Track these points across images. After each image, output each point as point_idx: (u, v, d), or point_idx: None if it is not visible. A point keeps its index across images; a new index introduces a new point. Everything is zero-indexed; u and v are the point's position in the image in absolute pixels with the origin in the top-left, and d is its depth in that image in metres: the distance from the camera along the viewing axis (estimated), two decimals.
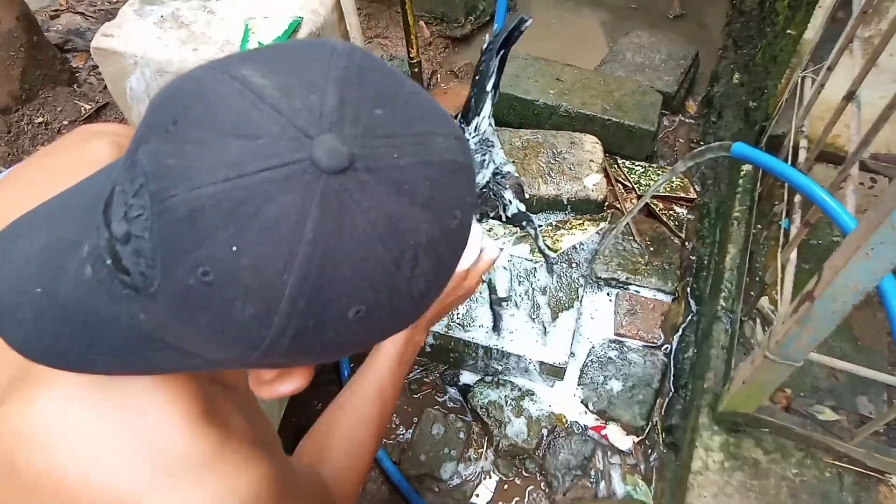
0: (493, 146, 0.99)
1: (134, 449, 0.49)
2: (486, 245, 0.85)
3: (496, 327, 1.49)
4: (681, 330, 1.64)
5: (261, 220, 0.36)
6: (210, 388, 0.54)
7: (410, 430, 1.51)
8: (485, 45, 0.94)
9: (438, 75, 2.35)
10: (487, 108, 0.95)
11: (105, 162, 0.64)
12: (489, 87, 0.94)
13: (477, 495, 1.43)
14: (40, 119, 2.06)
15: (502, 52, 0.94)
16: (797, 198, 1.19)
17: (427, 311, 0.46)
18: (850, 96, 1.07)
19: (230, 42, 1.43)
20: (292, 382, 0.48)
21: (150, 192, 0.37)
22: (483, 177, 0.98)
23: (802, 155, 1.29)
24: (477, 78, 0.94)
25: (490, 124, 0.97)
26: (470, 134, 0.95)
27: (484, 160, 0.97)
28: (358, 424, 0.81)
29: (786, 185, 1.26)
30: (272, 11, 1.47)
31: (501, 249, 0.94)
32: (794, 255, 1.12)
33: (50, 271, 0.44)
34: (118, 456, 0.49)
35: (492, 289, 1.25)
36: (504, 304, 1.50)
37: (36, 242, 0.45)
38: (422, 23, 2.43)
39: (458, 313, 1.53)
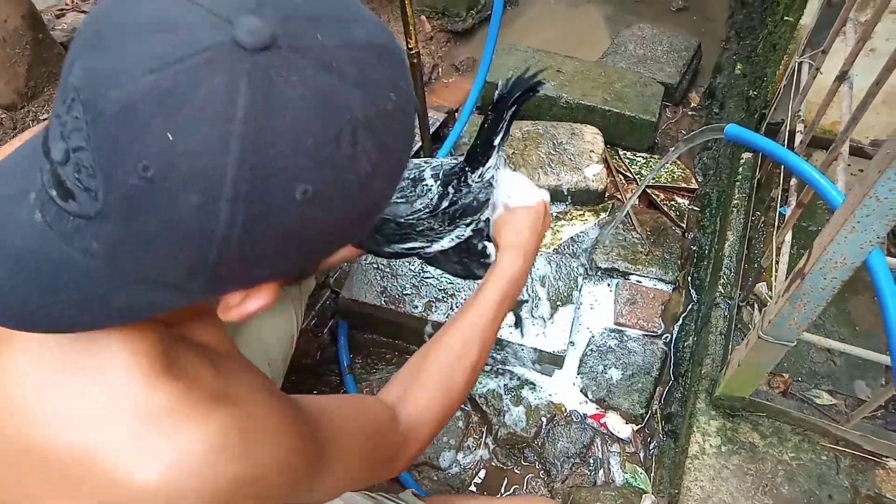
0: (498, 186, 1.01)
1: (100, 406, 0.49)
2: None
3: (518, 327, 1.50)
4: (681, 319, 1.64)
5: (190, 105, 0.37)
6: (175, 345, 0.54)
7: None
8: (496, 95, 0.91)
9: (440, 69, 2.36)
10: (493, 160, 0.97)
11: None
12: (497, 141, 0.95)
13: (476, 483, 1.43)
14: (45, 116, 2.08)
15: (514, 108, 0.92)
16: (793, 181, 1.18)
17: (379, 208, 0.47)
18: (842, 77, 1.07)
19: None
20: (259, 299, 0.48)
21: (82, 103, 0.38)
22: (485, 215, 1.00)
23: (799, 140, 1.28)
24: (485, 127, 0.94)
25: (498, 167, 1.00)
26: (473, 181, 0.99)
27: (488, 200, 1.00)
28: (454, 360, 0.81)
29: (782, 170, 1.26)
30: None
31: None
32: (788, 237, 1.12)
33: (1, 226, 0.44)
34: (85, 414, 0.49)
35: None
36: (521, 306, 1.50)
37: None
38: (423, 17, 2.44)
39: (454, 303, 1.54)
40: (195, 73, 0.37)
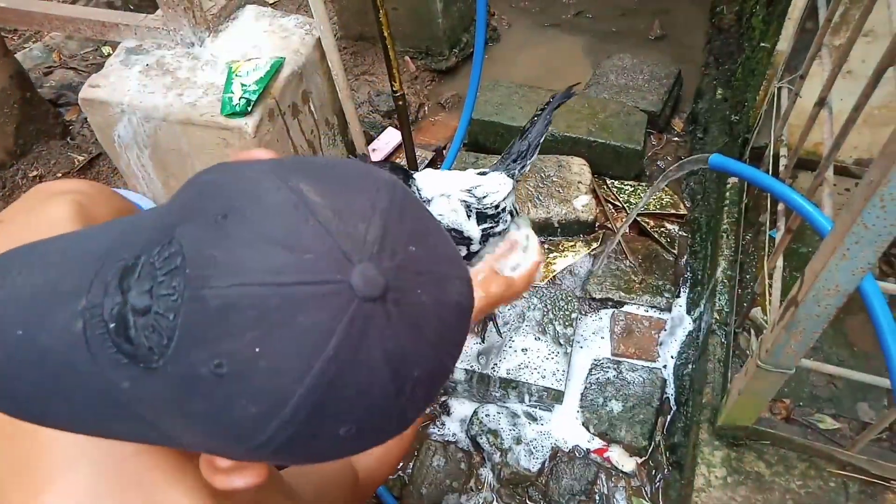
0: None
1: None
2: (532, 247, 1.05)
3: (497, 332, 1.54)
4: (678, 347, 1.63)
5: (290, 329, 0.38)
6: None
7: (411, 464, 1.49)
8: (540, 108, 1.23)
9: (426, 108, 2.38)
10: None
11: (66, 223, 0.64)
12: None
13: None
14: (35, 173, 2.09)
15: (555, 107, 1.25)
16: (780, 206, 1.19)
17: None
18: (821, 102, 1.08)
19: (215, 85, 1.45)
20: (249, 476, 0.47)
21: (186, 277, 0.38)
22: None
23: (783, 164, 1.29)
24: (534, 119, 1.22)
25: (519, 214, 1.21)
26: (517, 173, 1.24)
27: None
28: None
29: (769, 194, 1.26)
30: (254, 53, 1.50)
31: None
32: (780, 262, 1.12)
33: (36, 316, 0.42)
34: None
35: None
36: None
37: (27, 283, 0.43)
38: (407, 57, 2.47)
39: None
40: (305, 302, 0.38)
